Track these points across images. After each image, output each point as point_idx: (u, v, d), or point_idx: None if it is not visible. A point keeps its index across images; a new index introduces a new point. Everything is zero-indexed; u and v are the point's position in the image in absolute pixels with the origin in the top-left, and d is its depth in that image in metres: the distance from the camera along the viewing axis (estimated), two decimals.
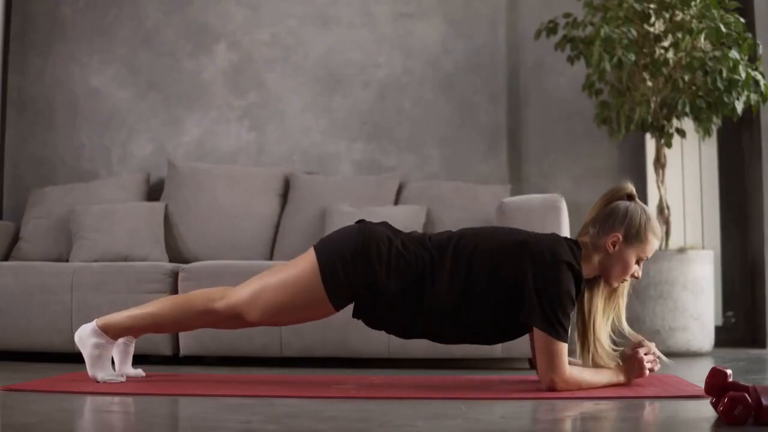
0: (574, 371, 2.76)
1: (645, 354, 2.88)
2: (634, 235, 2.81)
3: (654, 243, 2.85)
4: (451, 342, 2.96)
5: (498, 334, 2.90)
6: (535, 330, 2.73)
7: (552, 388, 2.73)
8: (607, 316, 2.90)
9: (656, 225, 2.85)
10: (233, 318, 2.91)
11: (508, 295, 2.77)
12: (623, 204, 2.85)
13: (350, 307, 2.92)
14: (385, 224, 2.92)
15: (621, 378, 2.87)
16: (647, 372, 2.89)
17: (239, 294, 2.89)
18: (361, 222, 2.92)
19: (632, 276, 2.86)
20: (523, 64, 5.08)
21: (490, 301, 2.78)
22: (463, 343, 2.97)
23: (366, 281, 2.79)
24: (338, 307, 2.86)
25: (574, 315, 2.87)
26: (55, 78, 5.16)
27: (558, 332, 2.70)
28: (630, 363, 2.87)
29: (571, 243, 2.83)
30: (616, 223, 2.82)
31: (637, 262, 2.85)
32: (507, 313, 2.79)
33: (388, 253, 2.79)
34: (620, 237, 2.81)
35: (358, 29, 5.14)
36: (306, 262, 2.85)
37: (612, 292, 2.90)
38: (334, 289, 2.81)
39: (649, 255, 2.87)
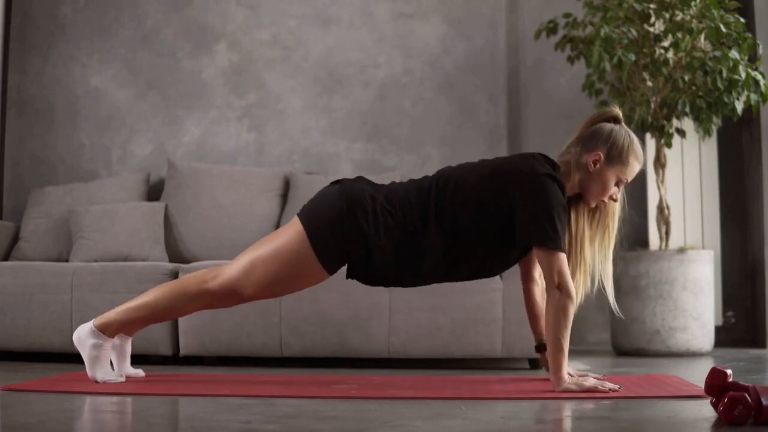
0: (573, 305, 2.73)
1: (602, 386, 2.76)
2: (616, 155, 2.83)
3: (635, 166, 2.86)
4: (452, 280, 2.96)
5: (496, 264, 2.90)
6: (534, 248, 2.73)
7: (554, 296, 2.70)
8: (594, 240, 2.90)
9: (639, 149, 2.87)
10: (229, 296, 2.91)
11: (499, 222, 2.78)
12: (608, 125, 2.88)
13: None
14: (362, 179, 2.93)
15: (565, 377, 2.74)
16: (599, 388, 2.71)
17: (231, 271, 2.89)
18: (339, 182, 2.91)
19: (610, 198, 2.87)
20: (523, 64, 5.08)
21: (483, 232, 2.79)
22: (464, 280, 2.96)
23: (357, 243, 2.80)
24: (332, 271, 2.88)
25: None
26: (55, 78, 5.16)
27: (554, 241, 2.70)
28: (582, 384, 2.74)
29: (547, 159, 2.84)
30: (600, 143, 2.85)
31: (617, 184, 2.87)
32: (502, 240, 2.80)
33: (374, 212, 2.80)
34: (602, 156, 2.83)
35: (358, 29, 5.14)
36: (293, 232, 2.85)
37: (599, 219, 2.90)
38: (325, 255, 2.82)
39: (629, 178, 2.88)
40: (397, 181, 4.69)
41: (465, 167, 2.91)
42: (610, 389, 2.70)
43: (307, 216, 2.86)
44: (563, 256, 2.73)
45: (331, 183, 2.93)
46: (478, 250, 2.83)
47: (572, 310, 2.75)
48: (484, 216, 2.79)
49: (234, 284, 2.88)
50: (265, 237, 2.97)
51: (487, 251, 2.84)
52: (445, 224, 2.80)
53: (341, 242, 2.81)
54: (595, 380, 2.77)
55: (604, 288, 2.94)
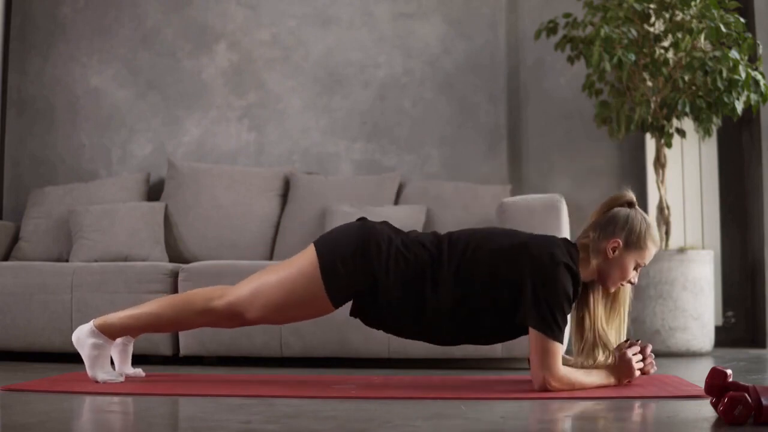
0: (566, 371, 2.77)
1: (635, 354, 2.87)
2: (635, 241, 2.84)
3: (652, 250, 2.89)
4: (450, 343, 2.97)
5: (497, 335, 2.91)
6: (530, 329, 2.74)
7: (544, 388, 2.74)
8: (610, 323, 2.92)
9: (656, 233, 2.89)
10: (233, 317, 2.91)
11: (507, 296, 2.78)
12: (624, 211, 2.88)
13: (349, 306, 2.92)
14: (385, 223, 2.93)
15: (611, 380, 2.86)
16: (637, 372, 2.88)
17: (239, 292, 2.89)
18: (362, 219, 2.93)
19: (629, 282, 2.89)
20: (523, 64, 5.08)
21: (489, 302, 2.80)
22: (462, 344, 2.98)
23: (366, 279, 2.80)
24: (337, 305, 2.88)
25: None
26: (55, 78, 5.16)
27: (553, 331, 2.72)
28: (619, 364, 2.87)
29: (569, 245, 2.85)
30: (617, 229, 2.85)
31: (635, 268, 2.88)
32: (505, 314, 2.81)
33: (387, 252, 2.80)
34: (620, 243, 2.83)
35: (358, 29, 5.14)
36: (306, 259, 2.86)
37: (613, 299, 2.93)
38: (333, 287, 2.82)
39: (647, 262, 2.90)
40: (397, 181, 4.70)
41: (488, 231, 2.91)
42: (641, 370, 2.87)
43: (322, 245, 2.87)
44: (559, 348, 2.75)
45: (357, 219, 2.95)
46: (481, 314, 2.82)
47: (568, 381, 2.75)
48: (494, 283, 2.79)
49: (239, 306, 2.88)
50: (277, 263, 2.99)
51: (490, 318, 2.83)
52: (456, 280, 2.79)
53: (351, 275, 2.81)
54: (634, 355, 2.87)
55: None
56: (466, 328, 2.86)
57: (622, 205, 2.91)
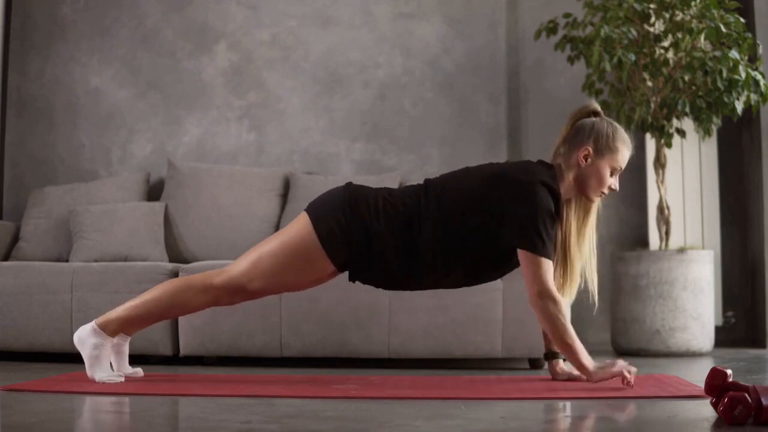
0: (561, 301, 2.79)
1: (629, 371, 2.82)
2: (604, 145, 2.91)
3: (624, 152, 2.93)
4: (451, 285, 3.01)
5: (495, 268, 2.94)
6: (519, 250, 2.76)
7: (537, 303, 2.78)
8: (580, 237, 2.95)
9: (624, 135, 2.95)
10: (235, 291, 2.94)
11: (494, 224, 2.82)
12: (589, 120, 2.96)
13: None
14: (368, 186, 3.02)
15: (592, 372, 2.83)
16: (625, 374, 2.80)
17: (237, 267, 2.94)
18: (347, 183, 3.01)
19: (609, 188, 2.93)
20: (523, 64, 5.08)
21: (479, 237, 2.84)
22: (464, 285, 3.02)
23: (359, 232, 2.86)
24: (336, 260, 2.89)
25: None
26: (55, 78, 5.16)
27: (538, 247, 2.76)
28: (608, 364, 2.85)
29: (545, 165, 2.91)
30: (585, 137, 2.92)
31: (612, 174, 2.92)
32: (496, 242, 2.84)
33: (375, 204, 2.88)
34: (590, 150, 2.90)
35: (358, 29, 5.14)
36: (299, 224, 2.92)
37: (584, 214, 2.95)
38: (330, 243, 2.87)
39: (623, 165, 2.95)
40: (398, 181, 4.70)
41: (469, 169, 2.98)
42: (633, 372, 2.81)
43: (313, 208, 2.95)
44: (548, 263, 2.77)
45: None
46: (470, 251, 2.87)
47: (563, 310, 2.81)
48: (480, 217, 2.84)
49: (240, 278, 2.91)
50: (272, 234, 3.02)
51: (480, 254, 2.88)
52: (443, 221, 2.85)
53: (345, 230, 2.86)
54: (623, 363, 2.83)
55: (588, 282, 2.99)
56: (461, 266, 2.90)
57: (587, 116, 2.98)
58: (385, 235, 2.85)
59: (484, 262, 2.91)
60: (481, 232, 2.84)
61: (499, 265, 2.93)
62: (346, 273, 3.00)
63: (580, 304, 3.28)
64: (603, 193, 2.93)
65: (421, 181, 3.04)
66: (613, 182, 2.92)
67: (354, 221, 2.86)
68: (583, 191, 2.92)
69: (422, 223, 2.85)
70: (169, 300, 2.96)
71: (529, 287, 2.81)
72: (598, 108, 2.98)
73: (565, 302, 2.88)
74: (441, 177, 2.98)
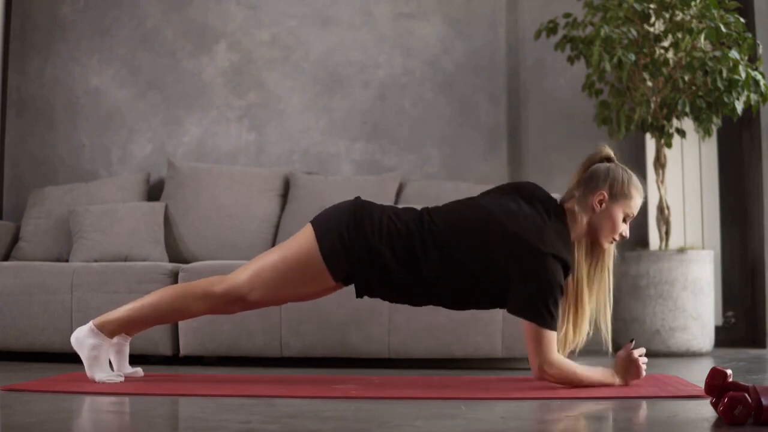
0: (561, 359, 2.80)
1: (641, 355, 2.88)
2: (619, 191, 2.89)
3: (638, 199, 2.92)
4: (454, 308, 3.00)
5: (492, 306, 2.94)
6: (524, 321, 2.77)
7: (541, 375, 2.79)
8: (592, 284, 2.92)
9: (638, 182, 2.93)
10: (234, 300, 2.93)
11: (498, 274, 2.80)
12: (603, 165, 2.94)
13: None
14: (374, 203, 3.00)
15: (616, 380, 2.87)
16: (644, 373, 2.90)
17: (239, 276, 2.92)
18: (356, 198, 3.00)
19: (620, 235, 2.91)
20: (523, 64, 5.08)
21: (480, 277, 2.82)
22: (465, 309, 3.01)
23: (362, 249, 2.84)
24: (336, 277, 2.88)
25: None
26: (55, 78, 5.16)
27: (545, 320, 2.75)
28: (626, 364, 2.87)
29: (556, 212, 2.86)
30: (600, 182, 2.90)
31: (624, 220, 2.91)
32: (500, 286, 2.83)
33: (380, 222, 2.86)
34: (606, 194, 2.88)
35: (358, 29, 5.14)
36: (303, 238, 2.90)
37: (597, 259, 2.93)
38: (332, 258, 2.85)
39: (635, 212, 2.93)
40: (397, 181, 4.70)
41: (483, 207, 2.89)
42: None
43: (318, 221, 2.93)
44: (552, 335, 2.78)
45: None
46: (475, 284, 2.85)
47: (567, 368, 2.79)
48: (485, 266, 2.81)
49: (240, 288, 2.90)
50: (276, 246, 3.01)
51: (484, 290, 2.87)
52: (446, 254, 2.83)
53: (347, 248, 2.84)
54: (632, 357, 2.87)
55: (602, 329, 2.97)
56: (462, 297, 2.90)
57: (600, 161, 2.96)
58: (385, 258, 2.82)
59: (485, 300, 2.91)
60: (486, 280, 2.83)
61: (500, 303, 2.92)
62: (352, 287, 2.99)
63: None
64: (614, 239, 2.91)
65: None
66: (625, 229, 2.91)
67: (357, 237, 2.84)
68: (595, 237, 2.90)
69: (427, 251, 2.82)
70: (168, 305, 2.96)
71: (532, 359, 2.79)
72: (611, 153, 2.97)
73: (571, 362, 2.84)
74: (445, 210, 2.92)
